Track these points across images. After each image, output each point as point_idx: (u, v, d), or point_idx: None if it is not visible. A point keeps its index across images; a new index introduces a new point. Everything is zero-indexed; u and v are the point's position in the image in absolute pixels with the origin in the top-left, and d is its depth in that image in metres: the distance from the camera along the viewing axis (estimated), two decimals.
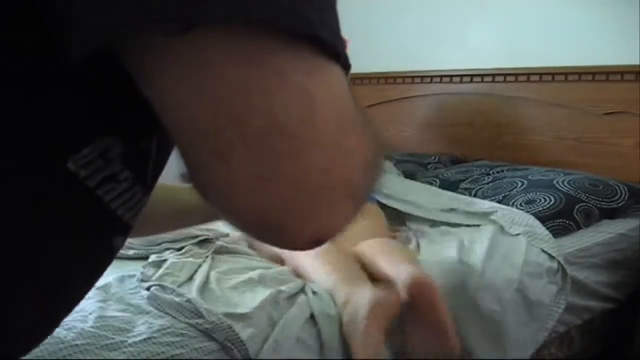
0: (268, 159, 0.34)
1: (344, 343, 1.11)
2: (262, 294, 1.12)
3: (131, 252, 1.35)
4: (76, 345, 0.86)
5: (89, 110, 0.40)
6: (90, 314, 0.97)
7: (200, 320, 0.97)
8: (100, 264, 0.49)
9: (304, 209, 0.36)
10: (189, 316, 0.99)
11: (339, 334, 1.12)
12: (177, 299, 1.01)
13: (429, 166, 2.42)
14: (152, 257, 1.29)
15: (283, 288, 1.17)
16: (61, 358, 0.84)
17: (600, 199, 1.83)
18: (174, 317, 1.00)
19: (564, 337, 1.65)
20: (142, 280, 1.16)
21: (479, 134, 2.56)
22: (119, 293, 1.10)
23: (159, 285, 1.09)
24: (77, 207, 0.42)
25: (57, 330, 0.57)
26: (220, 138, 0.34)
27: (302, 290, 1.21)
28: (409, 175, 2.25)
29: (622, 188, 1.89)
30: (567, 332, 1.63)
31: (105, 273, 0.52)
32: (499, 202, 1.84)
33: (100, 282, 0.84)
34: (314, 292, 1.20)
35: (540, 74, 2.33)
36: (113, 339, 0.92)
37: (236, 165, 0.34)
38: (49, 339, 0.60)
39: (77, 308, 0.52)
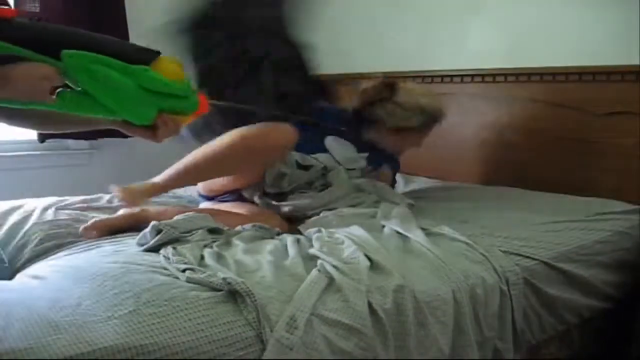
0: None
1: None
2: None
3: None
4: None
5: None
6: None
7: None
8: None
9: None
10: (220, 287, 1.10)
11: (369, 311, 1.11)
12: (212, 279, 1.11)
13: None
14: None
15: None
16: None
17: None
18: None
19: (564, 336, 1.64)
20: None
21: (479, 134, 2.56)
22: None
23: (191, 269, 1.17)
24: None
25: None
26: None
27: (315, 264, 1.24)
28: None
29: None
30: (567, 331, 1.63)
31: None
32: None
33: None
34: (335, 266, 1.19)
35: (540, 74, 2.32)
36: None
37: None
38: None
39: None
